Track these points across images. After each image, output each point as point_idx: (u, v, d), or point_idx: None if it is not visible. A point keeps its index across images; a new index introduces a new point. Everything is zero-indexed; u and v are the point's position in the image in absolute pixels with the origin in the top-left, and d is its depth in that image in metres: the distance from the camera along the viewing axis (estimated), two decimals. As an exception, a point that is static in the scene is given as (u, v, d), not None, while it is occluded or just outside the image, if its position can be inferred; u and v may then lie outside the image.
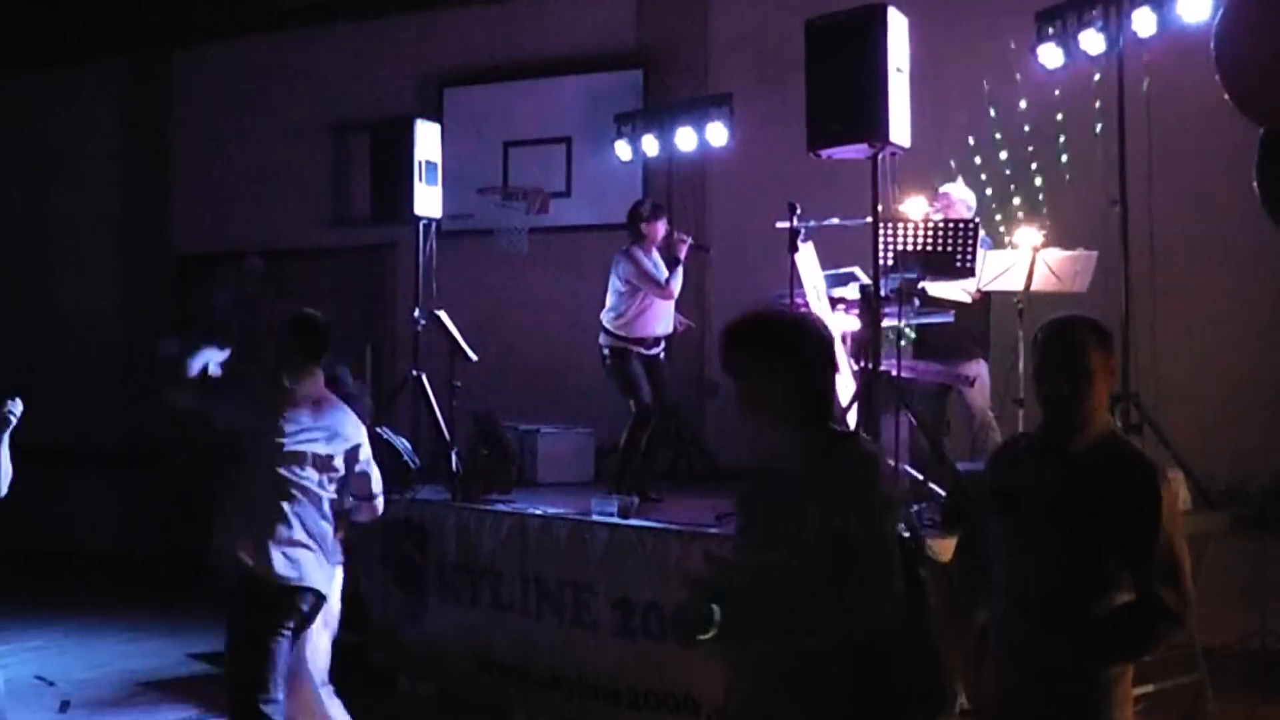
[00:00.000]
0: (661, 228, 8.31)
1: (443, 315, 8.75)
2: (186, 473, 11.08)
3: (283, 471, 5.30)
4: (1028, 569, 3.51)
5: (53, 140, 13.37)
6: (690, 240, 8.39)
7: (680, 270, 8.20)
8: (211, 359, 5.64)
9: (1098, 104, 7.84)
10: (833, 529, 3.17)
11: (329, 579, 5.51)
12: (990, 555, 3.65)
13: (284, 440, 5.31)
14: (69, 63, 13.34)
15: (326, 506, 5.42)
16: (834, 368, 3.44)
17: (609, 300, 8.23)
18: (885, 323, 6.93)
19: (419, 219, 9.22)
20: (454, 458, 8.18)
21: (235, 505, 5.53)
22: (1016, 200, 9.05)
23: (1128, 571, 3.51)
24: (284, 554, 5.27)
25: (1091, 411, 3.55)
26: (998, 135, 9.22)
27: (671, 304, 8.33)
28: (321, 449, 5.39)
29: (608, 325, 8.19)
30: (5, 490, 5.86)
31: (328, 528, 5.44)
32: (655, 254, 8.29)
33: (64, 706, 7.04)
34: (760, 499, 3.47)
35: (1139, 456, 3.57)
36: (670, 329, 8.38)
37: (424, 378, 8.91)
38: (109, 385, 12.70)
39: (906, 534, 3.41)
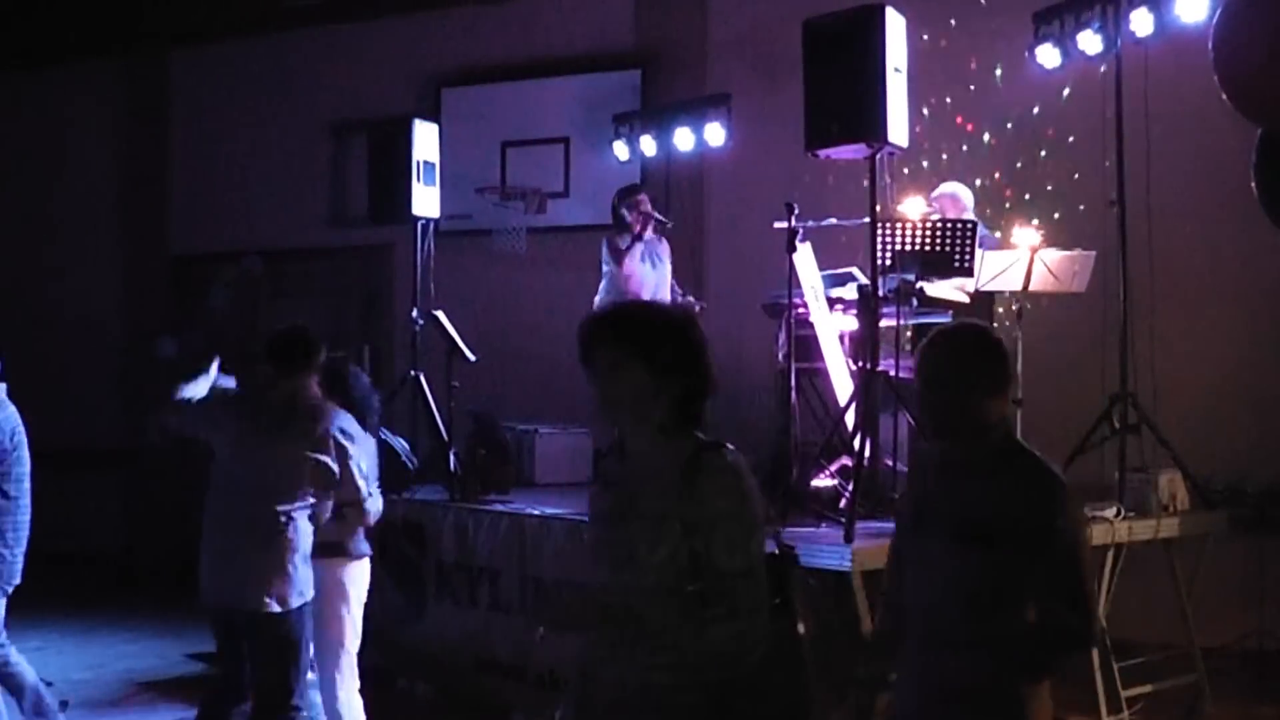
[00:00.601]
0: (634, 211, 8.38)
1: (440, 315, 8.74)
2: (184, 473, 11.07)
3: None
4: (930, 586, 3.39)
5: (50, 140, 13.36)
6: (652, 215, 8.42)
7: (638, 247, 8.22)
8: (201, 386, 5.63)
9: (1095, 104, 7.83)
10: (693, 553, 2.93)
11: None
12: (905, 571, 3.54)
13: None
14: (67, 62, 13.33)
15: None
16: (706, 372, 3.13)
17: None
18: (883, 323, 6.94)
19: (417, 219, 9.21)
20: (452, 458, 8.17)
21: None
22: (1014, 200, 9.04)
23: (1029, 590, 3.32)
24: None
25: (983, 423, 3.40)
26: (995, 135, 9.22)
27: (654, 288, 8.34)
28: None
29: None
30: None
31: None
32: (637, 239, 8.37)
33: (63, 706, 7.01)
34: (615, 507, 3.17)
35: (1041, 471, 3.37)
36: None
37: (422, 378, 8.91)
38: (107, 385, 12.69)
39: (775, 552, 3.20)
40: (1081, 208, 8.32)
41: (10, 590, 6.09)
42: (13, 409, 6.01)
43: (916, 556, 3.46)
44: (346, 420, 5.53)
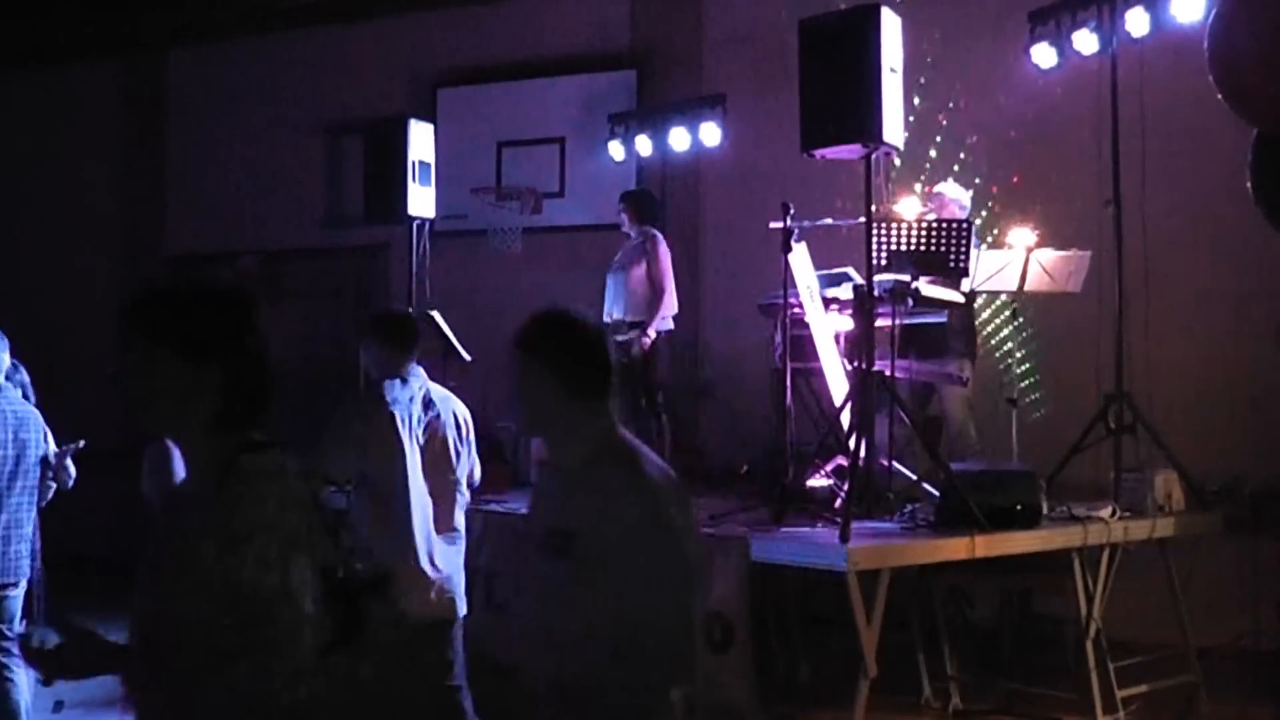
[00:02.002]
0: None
1: (436, 315, 8.75)
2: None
3: None
4: (528, 601, 3.18)
5: (47, 140, 13.34)
6: None
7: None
8: None
9: (1090, 104, 7.84)
10: (227, 577, 2.43)
11: None
12: None
13: None
14: (63, 62, 13.31)
15: None
16: (259, 359, 2.63)
17: None
18: (878, 323, 6.93)
19: (412, 219, 9.22)
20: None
21: None
22: (1009, 200, 9.04)
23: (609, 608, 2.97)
24: None
25: (554, 420, 3.11)
26: (991, 135, 9.22)
27: (620, 286, 8.40)
28: None
29: None
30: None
31: None
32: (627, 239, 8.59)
33: (58, 706, 7.01)
34: (164, 522, 2.70)
35: (632, 478, 3.01)
36: (610, 313, 8.49)
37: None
38: (103, 386, 12.65)
39: (344, 578, 2.76)
40: (1077, 207, 8.31)
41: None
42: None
43: (517, 566, 3.30)
44: None
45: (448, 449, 5.64)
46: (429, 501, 5.56)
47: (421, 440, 5.52)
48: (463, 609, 5.75)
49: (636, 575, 2.90)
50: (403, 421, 5.47)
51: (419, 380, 5.62)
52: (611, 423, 3.13)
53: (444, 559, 5.61)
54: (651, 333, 8.40)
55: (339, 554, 2.67)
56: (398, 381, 5.55)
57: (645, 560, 2.91)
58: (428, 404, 5.62)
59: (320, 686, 2.52)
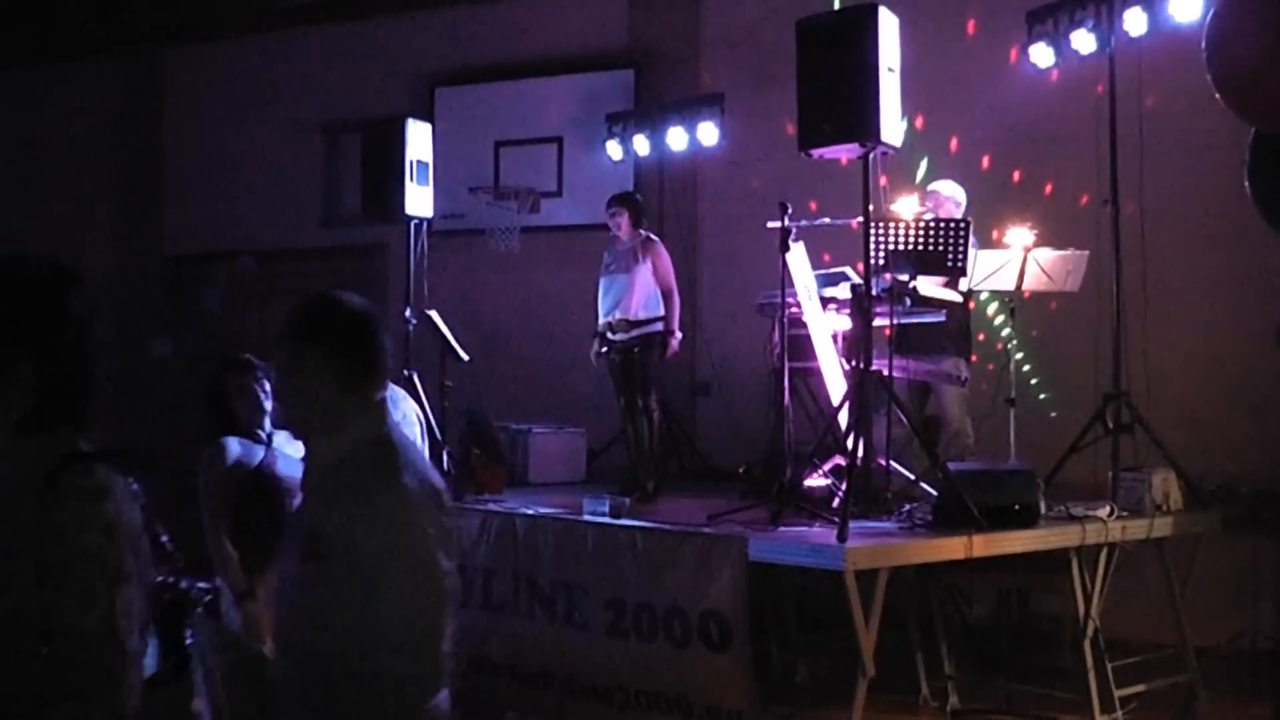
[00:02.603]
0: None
1: (434, 315, 8.74)
2: (179, 472, 11.04)
3: None
4: (282, 602, 2.97)
5: (44, 139, 13.34)
6: None
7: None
8: None
9: (1089, 104, 7.84)
10: (45, 612, 2.16)
11: None
12: None
13: None
14: (60, 62, 13.32)
15: None
16: (81, 352, 2.46)
17: None
18: (876, 322, 6.93)
19: (410, 219, 9.20)
20: (445, 457, 8.15)
21: None
22: (1007, 200, 9.04)
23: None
24: None
25: (318, 413, 2.89)
26: (989, 134, 9.22)
27: (621, 288, 8.38)
28: None
29: None
30: None
31: None
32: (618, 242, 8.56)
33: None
34: None
35: (384, 480, 2.82)
36: (610, 314, 8.44)
37: (415, 377, 8.88)
38: (101, 385, 12.64)
39: (174, 604, 2.64)
40: (1075, 207, 8.32)
41: None
42: None
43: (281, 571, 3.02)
44: None
45: None
46: None
47: None
48: None
49: (381, 582, 2.71)
50: None
51: None
52: (380, 418, 2.93)
53: None
54: (679, 334, 8.39)
55: (166, 574, 2.47)
56: None
57: (390, 567, 2.72)
58: (392, 403, 5.61)
59: None
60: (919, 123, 9.19)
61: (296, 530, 2.90)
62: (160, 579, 2.49)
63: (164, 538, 2.85)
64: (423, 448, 5.75)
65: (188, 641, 2.56)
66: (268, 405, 5.40)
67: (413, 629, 2.74)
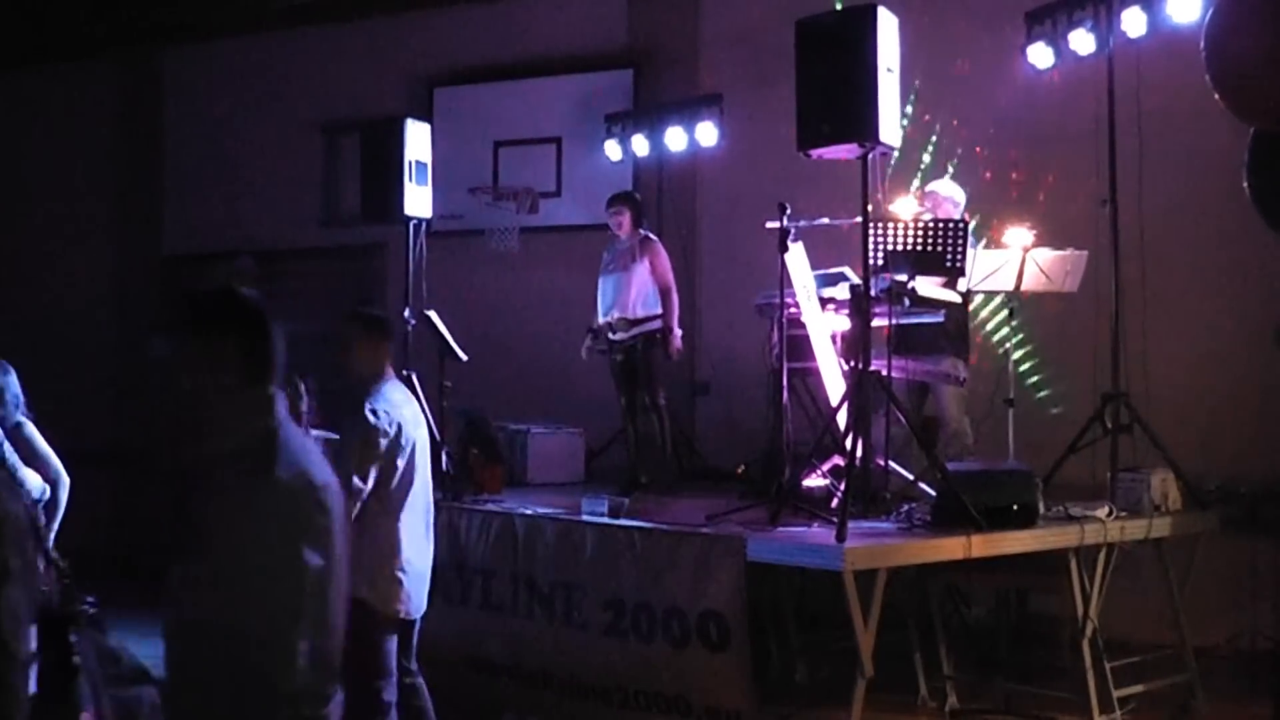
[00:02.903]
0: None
1: (433, 315, 8.74)
2: (178, 471, 11.03)
3: None
4: (169, 597, 2.94)
5: (43, 140, 13.34)
6: None
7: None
8: None
9: (1087, 104, 7.83)
10: None
11: None
12: None
13: None
14: (59, 62, 13.31)
15: None
16: None
17: None
18: (875, 322, 6.93)
19: (409, 219, 9.20)
20: (444, 457, 8.15)
21: None
22: (1006, 200, 9.04)
23: None
24: None
25: (216, 407, 2.89)
26: (987, 135, 9.22)
27: (620, 286, 8.38)
28: None
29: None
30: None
31: None
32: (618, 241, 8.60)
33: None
34: None
35: (265, 476, 2.80)
36: (609, 314, 8.44)
37: (414, 377, 8.86)
38: (100, 385, 12.66)
39: (55, 617, 2.62)
40: (1074, 207, 8.32)
41: None
42: None
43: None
44: None
45: None
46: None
47: None
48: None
49: (246, 577, 2.73)
50: None
51: None
52: (272, 413, 2.91)
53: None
54: (678, 331, 8.39)
55: (54, 585, 2.41)
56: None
57: (254, 561, 2.73)
58: (405, 401, 5.70)
59: None
60: (918, 123, 9.19)
61: (181, 528, 2.91)
62: (46, 589, 2.43)
63: (49, 546, 2.81)
64: (427, 448, 5.74)
65: (74, 657, 2.54)
66: (303, 405, 5.41)
67: (272, 624, 2.74)
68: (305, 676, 2.77)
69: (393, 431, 5.46)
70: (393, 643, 5.51)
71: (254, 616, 2.72)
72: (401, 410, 5.57)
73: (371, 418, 5.43)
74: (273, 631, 2.74)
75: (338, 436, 5.78)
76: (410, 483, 5.56)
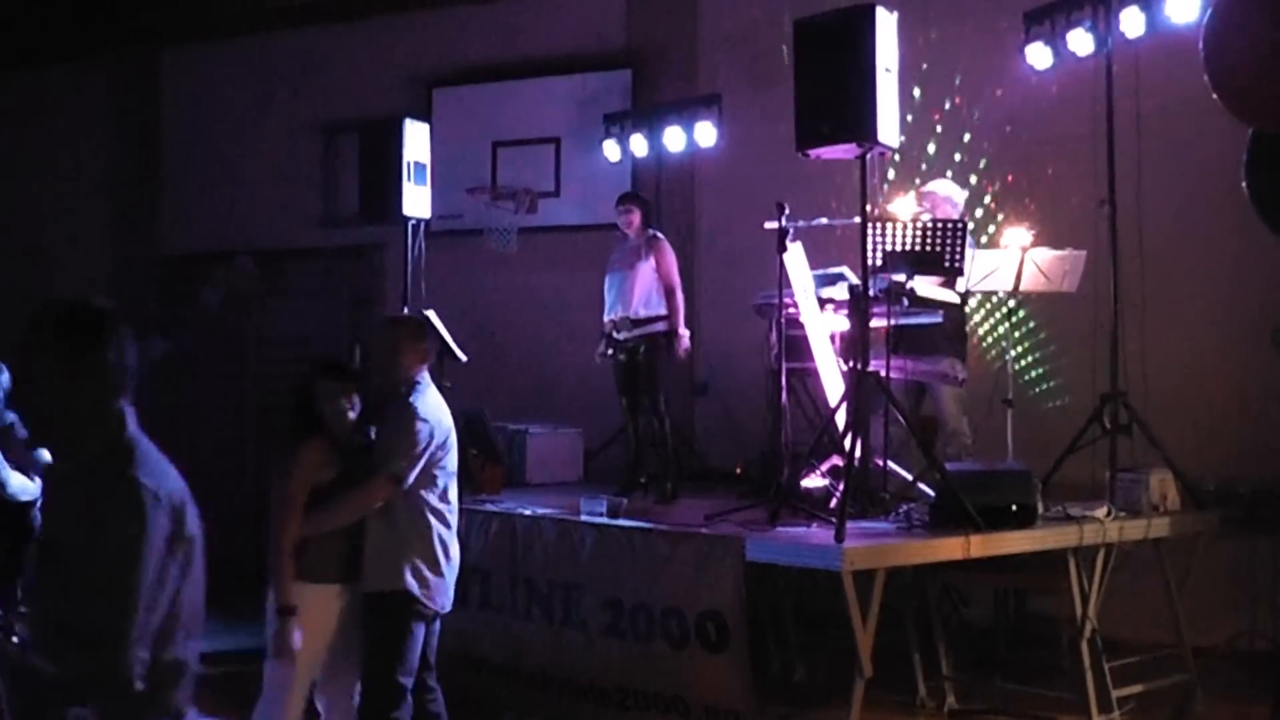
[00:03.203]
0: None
1: (431, 315, 8.74)
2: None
3: None
4: (30, 603, 3.00)
5: (41, 140, 13.34)
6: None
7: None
8: None
9: (1086, 104, 7.83)
10: None
11: None
12: None
13: None
14: (57, 62, 13.30)
15: None
16: None
17: None
18: (874, 323, 6.93)
19: (408, 219, 9.20)
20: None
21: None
22: (1004, 200, 9.05)
23: None
24: None
25: (68, 419, 2.90)
26: (986, 135, 9.22)
27: (625, 285, 8.36)
28: None
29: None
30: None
31: None
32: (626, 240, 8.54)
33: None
34: None
35: (118, 484, 2.80)
36: (613, 311, 8.43)
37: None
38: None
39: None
40: (1072, 207, 8.32)
41: None
42: None
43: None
44: None
45: None
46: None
47: None
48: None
49: (87, 581, 2.73)
50: None
51: None
52: (122, 421, 2.89)
53: None
54: (685, 331, 8.37)
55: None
56: None
57: (95, 565, 2.73)
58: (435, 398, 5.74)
59: None
60: (917, 123, 9.18)
61: (42, 537, 2.92)
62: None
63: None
64: (454, 444, 5.75)
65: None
66: (352, 416, 5.43)
67: (109, 629, 2.73)
68: (143, 685, 2.76)
69: (437, 430, 5.51)
70: (420, 633, 5.52)
71: (95, 618, 2.72)
72: (442, 410, 5.62)
73: (419, 415, 5.47)
74: (109, 636, 2.72)
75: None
76: (449, 479, 5.62)
